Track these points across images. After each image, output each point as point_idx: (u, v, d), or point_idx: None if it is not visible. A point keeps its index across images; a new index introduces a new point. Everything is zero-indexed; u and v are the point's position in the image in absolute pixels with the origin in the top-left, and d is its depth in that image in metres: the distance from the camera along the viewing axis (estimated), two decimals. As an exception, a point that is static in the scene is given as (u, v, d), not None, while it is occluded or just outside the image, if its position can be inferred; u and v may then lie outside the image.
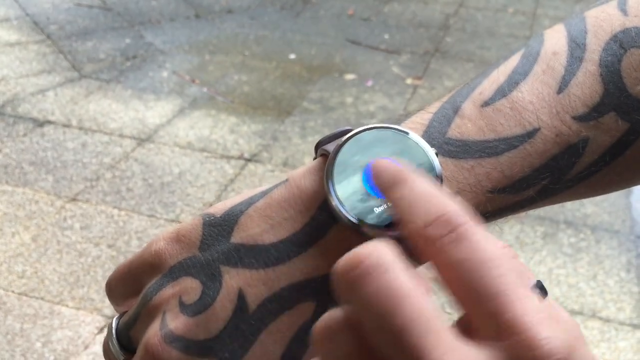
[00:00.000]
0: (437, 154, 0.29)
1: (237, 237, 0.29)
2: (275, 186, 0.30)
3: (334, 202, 0.28)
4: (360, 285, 0.21)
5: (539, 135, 0.29)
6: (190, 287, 0.28)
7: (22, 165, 2.17)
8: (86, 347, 1.55)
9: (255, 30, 3.29)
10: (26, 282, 1.71)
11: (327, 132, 2.54)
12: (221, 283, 0.28)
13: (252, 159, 2.25)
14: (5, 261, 1.78)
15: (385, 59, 3.01)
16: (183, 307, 0.28)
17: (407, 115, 0.32)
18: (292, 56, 3.02)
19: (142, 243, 1.84)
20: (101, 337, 1.58)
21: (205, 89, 2.68)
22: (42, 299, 1.67)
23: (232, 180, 2.14)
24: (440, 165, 0.28)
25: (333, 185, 0.28)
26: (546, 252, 1.88)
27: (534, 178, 0.30)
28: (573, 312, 1.67)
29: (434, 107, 0.31)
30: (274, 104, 2.61)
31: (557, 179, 0.30)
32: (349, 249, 0.28)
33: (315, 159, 0.31)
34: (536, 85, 0.30)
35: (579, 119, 0.30)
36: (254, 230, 0.29)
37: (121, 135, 2.35)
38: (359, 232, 0.27)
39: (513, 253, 0.23)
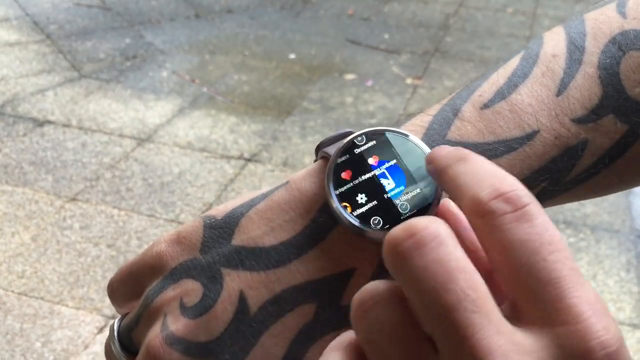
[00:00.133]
0: None
1: (237, 240, 0.29)
2: (276, 188, 0.30)
3: (335, 205, 0.28)
4: (413, 256, 0.20)
5: (538, 138, 0.30)
6: (191, 289, 0.28)
7: (21, 165, 2.17)
8: (86, 347, 1.56)
9: (255, 30, 3.29)
10: (26, 282, 1.71)
11: (327, 132, 2.54)
12: (222, 285, 0.28)
13: (252, 158, 2.25)
14: (5, 261, 1.78)
15: (385, 58, 3.01)
16: (184, 309, 0.28)
17: (407, 117, 0.32)
18: (292, 56, 3.02)
19: (142, 243, 1.84)
20: (101, 337, 1.58)
21: (205, 89, 2.68)
22: (41, 298, 1.67)
23: (232, 180, 2.14)
24: None
25: (334, 188, 0.28)
26: (546, 252, 1.88)
27: (533, 180, 0.30)
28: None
29: (434, 110, 0.31)
30: (274, 103, 2.61)
31: (556, 181, 0.30)
32: (349, 251, 0.28)
33: (315, 161, 0.31)
34: (535, 87, 0.30)
35: (578, 121, 0.30)
36: (255, 233, 0.29)
37: (121, 135, 2.35)
38: (360, 235, 0.28)
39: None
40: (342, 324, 0.28)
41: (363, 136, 0.29)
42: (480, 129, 0.30)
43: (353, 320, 0.22)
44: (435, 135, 0.30)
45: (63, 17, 3.32)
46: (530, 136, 0.30)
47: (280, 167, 2.20)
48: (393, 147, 0.29)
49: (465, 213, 0.23)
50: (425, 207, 0.28)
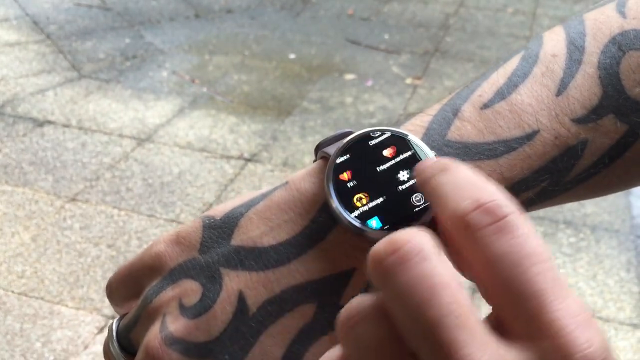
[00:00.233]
0: (436, 156, 0.29)
1: (237, 240, 0.29)
2: (275, 188, 0.30)
3: (335, 205, 0.28)
4: (397, 272, 0.20)
5: (538, 138, 0.30)
6: (190, 289, 0.28)
7: (21, 165, 2.17)
8: (86, 347, 1.56)
9: (255, 30, 3.29)
10: (26, 282, 1.71)
11: (327, 131, 2.54)
12: (221, 285, 0.28)
13: (252, 158, 2.25)
14: (5, 261, 1.78)
15: (385, 58, 3.01)
16: (183, 309, 0.28)
17: (407, 117, 0.32)
18: (292, 56, 3.02)
19: (142, 243, 1.84)
20: (101, 337, 1.58)
21: (205, 89, 2.68)
22: (41, 298, 1.67)
23: (231, 180, 2.14)
24: None
25: (333, 188, 0.28)
26: (546, 252, 1.88)
27: (533, 180, 0.30)
28: (573, 312, 1.67)
29: (434, 110, 0.31)
30: (273, 103, 2.61)
31: (556, 181, 0.30)
32: (349, 251, 0.28)
33: (315, 161, 0.31)
34: (535, 87, 0.30)
35: (578, 121, 0.30)
36: (254, 233, 0.29)
37: (121, 135, 2.35)
38: (360, 235, 0.28)
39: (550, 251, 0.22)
40: None
41: (377, 131, 0.29)
42: (480, 129, 0.30)
43: (340, 335, 0.22)
44: (435, 135, 0.30)
45: (63, 17, 3.32)
46: (530, 136, 0.30)
47: (280, 167, 2.20)
48: (409, 140, 0.29)
49: (448, 226, 0.22)
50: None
